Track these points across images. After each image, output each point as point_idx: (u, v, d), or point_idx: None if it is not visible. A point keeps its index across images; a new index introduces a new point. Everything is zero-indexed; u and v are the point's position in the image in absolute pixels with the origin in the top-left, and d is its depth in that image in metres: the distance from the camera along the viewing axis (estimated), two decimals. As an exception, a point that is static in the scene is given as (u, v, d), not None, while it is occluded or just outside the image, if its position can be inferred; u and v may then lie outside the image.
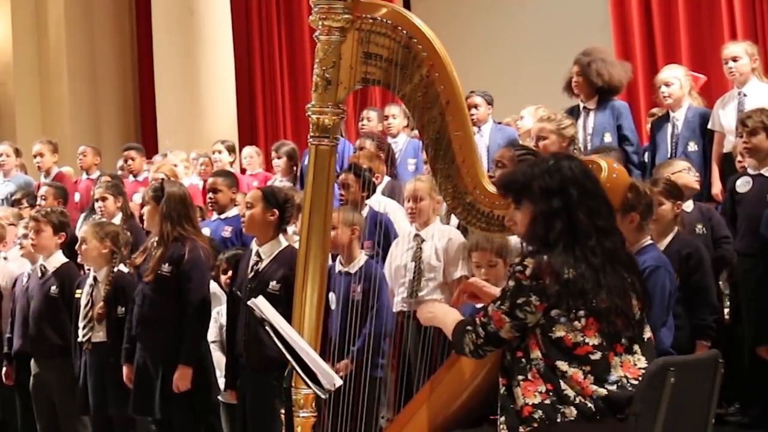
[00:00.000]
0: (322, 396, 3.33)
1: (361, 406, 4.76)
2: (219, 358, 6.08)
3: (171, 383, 5.56)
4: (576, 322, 3.11)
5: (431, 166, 3.99)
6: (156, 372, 5.63)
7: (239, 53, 12.62)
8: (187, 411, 5.62)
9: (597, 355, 3.11)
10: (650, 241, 4.81)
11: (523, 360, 3.17)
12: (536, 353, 3.14)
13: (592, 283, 3.12)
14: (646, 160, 7.51)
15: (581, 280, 3.12)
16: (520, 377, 3.16)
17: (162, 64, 11.92)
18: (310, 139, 3.93)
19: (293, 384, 3.62)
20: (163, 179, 7.50)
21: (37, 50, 13.77)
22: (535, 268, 3.14)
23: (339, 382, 3.31)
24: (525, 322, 3.16)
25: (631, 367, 3.15)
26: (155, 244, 5.71)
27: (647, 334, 3.26)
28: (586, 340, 3.11)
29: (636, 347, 3.19)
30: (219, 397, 6.01)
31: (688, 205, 6.07)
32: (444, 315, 3.57)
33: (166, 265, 5.61)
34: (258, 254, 5.47)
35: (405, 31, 3.85)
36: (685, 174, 6.01)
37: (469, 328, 3.30)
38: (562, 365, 3.10)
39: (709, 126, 7.02)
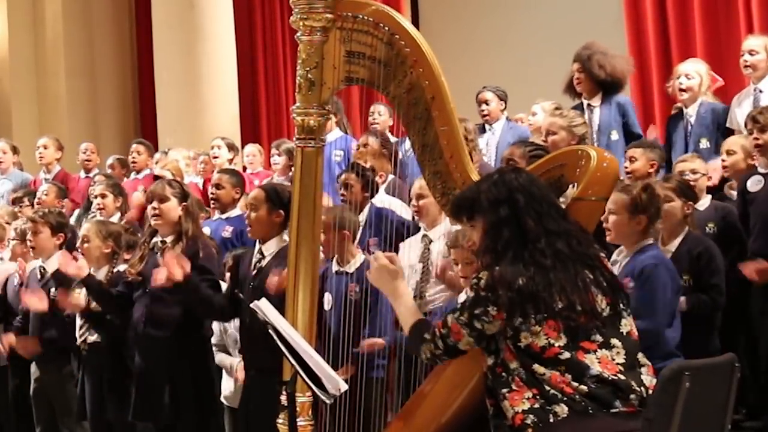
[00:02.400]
0: (327, 401, 3.36)
1: (361, 407, 4.79)
2: (221, 360, 6.12)
3: (179, 386, 5.59)
4: (536, 327, 3.20)
5: (419, 163, 4.05)
6: (164, 375, 5.65)
7: (242, 49, 12.62)
8: (192, 415, 5.65)
9: (566, 355, 3.19)
10: (650, 241, 4.84)
11: (503, 374, 3.26)
12: (514, 364, 3.24)
13: (542, 285, 3.21)
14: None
15: (531, 284, 3.21)
16: (505, 390, 3.24)
17: (162, 61, 11.94)
18: (296, 141, 4.01)
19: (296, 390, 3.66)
20: (156, 176, 7.55)
21: (34, 46, 13.79)
22: (488, 280, 3.25)
23: (344, 387, 3.36)
24: (484, 331, 3.27)
25: (608, 363, 3.21)
26: (168, 243, 5.72)
27: (626, 328, 3.32)
28: (551, 342, 3.19)
29: (614, 341, 3.26)
30: (222, 400, 6.04)
31: (704, 203, 6.08)
32: (398, 296, 3.66)
33: None
34: (261, 252, 5.50)
35: (387, 28, 3.91)
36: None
37: (427, 337, 3.41)
38: (539, 368, 3.19)
39: (727, 124, 7.03)
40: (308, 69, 3.96)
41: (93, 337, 6.12)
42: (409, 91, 3.92)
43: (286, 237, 5.47)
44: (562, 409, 3.14)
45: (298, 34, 4.01)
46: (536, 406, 3.17)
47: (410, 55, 3.89)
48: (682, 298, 5.23)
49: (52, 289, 6.47)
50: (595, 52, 7.23)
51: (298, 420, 3.86)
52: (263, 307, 3.44)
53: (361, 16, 3.94)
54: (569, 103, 7.66)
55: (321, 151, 4.03)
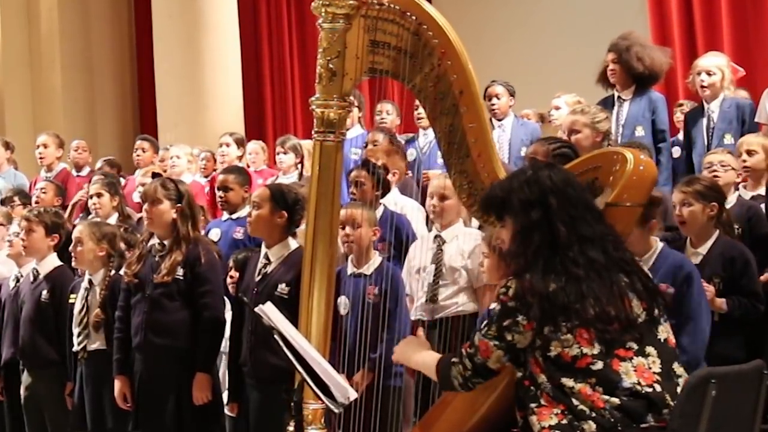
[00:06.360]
0: (336, 410, 3.35)
1: (379, 417, 4.78)
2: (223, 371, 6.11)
3: (186, 395, 5.58)
4: (567, 336, 3.18)
5: (445, 161, 4.03)
6: (167, 384, 5.64)
7: (246, 40, 12.63)
8: (197, 426, 5.64)
9: (599, 365, 3.17)
10: (662, 245, 4.82)
11: (531, 388, 3.25)
12: (542, 377, 3.22)
13: (574, 295, 3.19)
14: (675, 154, 7.51)
15: (562, 293, 3.19)
16: (533, 405, 3.23)
17: (162, 53, 11.92)
18: (315, 135, 3.99)
19: (303, 397, 3.65)
20: (156, 173, 7.52)
21: (28, 38, 13.77)
22: (518, 289, 3.23)
23: (353, 395, 3.35)
24: (514, 344, 3.25)
25: (645, 372, 3.20)
26: (166, 246, 5.72)
27: (663, 335, 3.31)
28: (584, 351, 3.18)
29: (650, 349, 3.24)
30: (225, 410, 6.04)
31: (730, 200, 6.03)
32: (420, 354, 3.65)
33: (179, 268, 5.64)
34: (266, 257, 5.51)
35: (414, 17, 3.89)
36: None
37: (455, 360, 3.38)
38: (568, 382, 3.18)
39: (756, 119, 7.02)
40: (329, 58, 3.93)
41: (94, 345, 6.10)
42: (436, 84, 3.90)
43: (291, 242, 5.49)
44: (590, 426, 3.13)
45: (320, 21, 3.98)
46: (564, 422, 3.16)
47: (438, 47, 3.86)
48: (721, 300, 5.24)
49: (44, 292, 6.48)
50: (635, 44, 7.21)
51: (309, 429, 3.85)
52: (268, 311, 3.42)
53: (386, 4, 3.91)
54: (591, 96, 7.63)
55: (341, 146, 4.01)
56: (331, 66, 3.93)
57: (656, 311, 3.32)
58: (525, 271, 3.26)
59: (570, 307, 3.18)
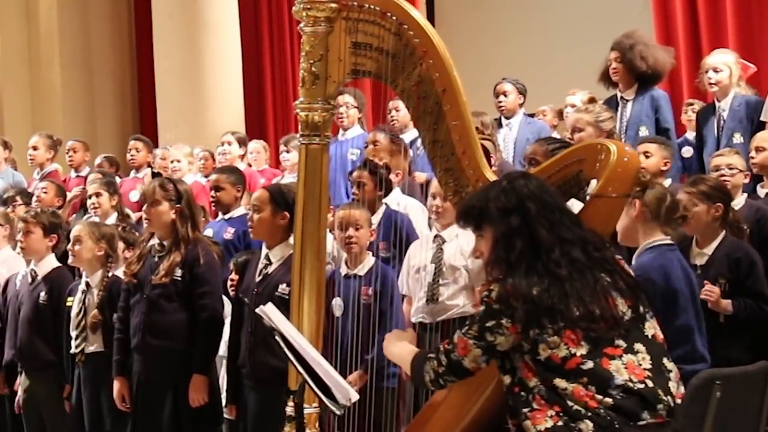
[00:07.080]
0: (337, 412, 3.35)
1: (373, 419, 4.77)
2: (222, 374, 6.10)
3: (184, 397, 5.57)
4: (554, 337, 3.21)
5: (430, 160, 4.05)
6: (165, 386, 5.63)
7: (246, 39, 12.63)
8: (195, 428, 5.63)
9: (589, 365, 3.19)
10: (658, 241, 4.73)
11: (522, 393, 3.27)
12: (534, 381, 3.24)
13: (558, 297, 3.22)
14: (684, 155, 7.48)
15: (545, 295, 3.22)
16: (526, 410, 3.24)
17: (162, 51, 11.91)
18: (300, 138, 4.03)
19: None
20: (157, 173, 7.51)
21: (27, 36, 13.75)
22: (501, 292, 3.26)
23: (355, 397, 3.35)
24: (495, 344, 3.27)
25: (636, 368, 3.22)
26: (165, 247, 5.71)
27: (650, 331, 3.33)
28: (572, 351, 3.20)
29: (638, 346, 3.27)
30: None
31: (738, 202, 6.03)
32: (398, 347, 3.70)
33: (177, 269, 5.63)
34: (267, 258, 5.51)
35: (395, 18, 3.92)
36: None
37: (431, 356, 3.42)
38: (561, 383, 3.20)
39: (762, 117, 6.99)
40: (312, 62, 3.97)
41: (92, 348, 6.10)
42: (418, 84, 3.93)
43: (292, 242, 5.47)
44: (587, 426, 3.14)
45: (301, 25, 4.02)
46: (560, 423, 3.16)
47: (419, 46, 3.89)
48: (727, 301, 5.22)
49: (42, 293, 6.47)
50: (638, 42, 7.21)
51: (305, 432, 3.84)
52: (269, 312, 3.42)
53: (367, 6, 3.95)
54: (602, 93, 7.61)
55: (326, 149, 4.04)
56: (314, 69, 3.97)
57: (641, 308, 3.35)
58: (507, 277, 3.29)
59: (554, 309, 3.21)
